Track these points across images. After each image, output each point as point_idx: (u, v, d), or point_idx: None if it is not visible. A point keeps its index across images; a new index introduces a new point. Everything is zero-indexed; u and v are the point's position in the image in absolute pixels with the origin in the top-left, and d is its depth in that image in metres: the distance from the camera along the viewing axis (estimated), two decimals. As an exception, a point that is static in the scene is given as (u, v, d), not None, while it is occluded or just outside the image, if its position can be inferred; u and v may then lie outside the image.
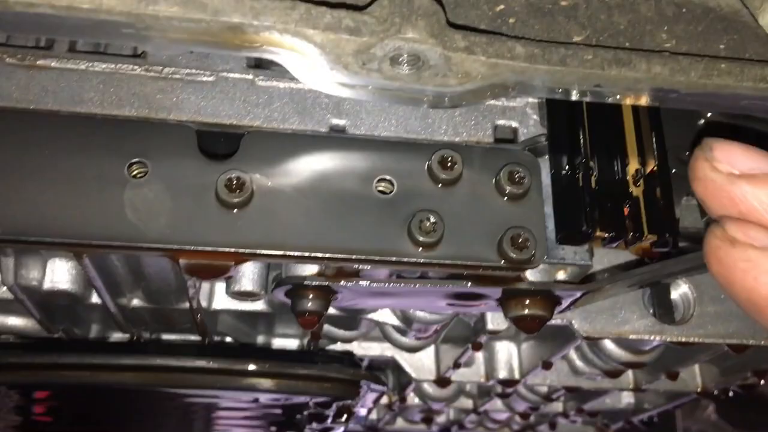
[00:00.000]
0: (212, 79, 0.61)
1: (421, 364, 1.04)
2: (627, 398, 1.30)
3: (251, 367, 0.82)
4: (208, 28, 0.48)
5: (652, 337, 0.74)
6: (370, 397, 0.95)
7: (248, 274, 0.67)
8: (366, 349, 1.01)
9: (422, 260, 0.57)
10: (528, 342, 1.01)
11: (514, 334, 1.00)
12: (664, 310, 0.74)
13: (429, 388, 1.23)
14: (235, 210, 0.56)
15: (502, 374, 1.03)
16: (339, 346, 0.98)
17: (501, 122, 0.64)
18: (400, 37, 0.49)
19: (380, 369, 1.09)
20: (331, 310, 0.68)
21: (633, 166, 0.61)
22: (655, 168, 0.62)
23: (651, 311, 0.74)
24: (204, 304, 0.80)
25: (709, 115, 0.71)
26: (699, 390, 1.08)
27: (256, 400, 0.93)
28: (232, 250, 0.56)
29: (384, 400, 1.29)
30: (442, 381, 1.05)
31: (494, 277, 0.60)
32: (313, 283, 0.62)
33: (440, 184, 0.59)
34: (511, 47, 0.52)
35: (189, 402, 0.98)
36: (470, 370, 1.06)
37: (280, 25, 0.48)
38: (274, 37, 0.49)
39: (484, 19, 0.55)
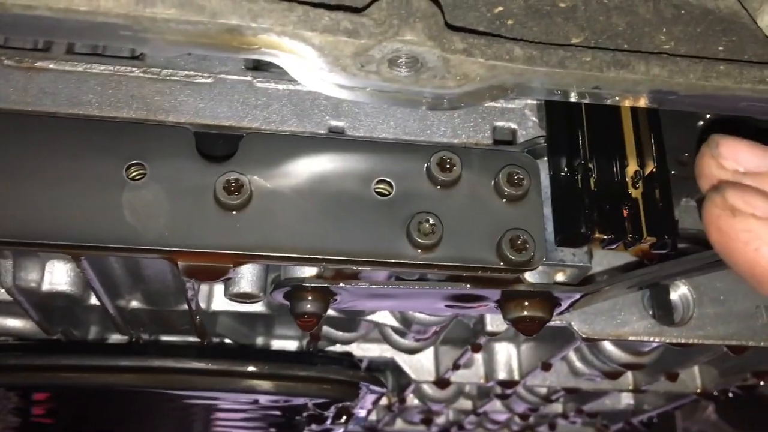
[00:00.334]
0: (210, 81, 0.61)
1: (420, 365, 1.04)
2: (626, 399, 1.30)
3: (250, 368, 0.82)
4: (206, 30, 0.48)
5: (651, 339, 0.74)
6: (370, 398, 0.95)
7: (247, 276, 0.67)
8: (365, 350, 1.01)
9: (421, 262, 0.57)
10: (527, 343, 1.01)
11: (513, 336, 1.00)
12: (663, 311, 0.74)
13: (428, 390, 1.23)
14: (234, 212, 0.56)
15: (502, 375, 1.03)
16: (338, 348, 0.98)
17: (500, 124, 0.64)
18: (399, 39, 0.49)
19: (379, 370, 1.09)
20: (330, 312, 0.68)
21: (632, 167, 0.61)
22: (654, 170, 0.61)
23: (650, 313, 0.74)
24: (203, 305, 0.80)
25: (708, 116, 0.71)
26: (698, 391, 1.08)
27: (255, 402, 0.93)
28: (231, 252, 0.55)
29: (383, 401, 1.29)
30: (441, 382, 1.05)
31: (493, 278, 0.60)
32: (312, 285, 0.62)
33: (439, 186, 0.59)
34: (510, 49, 0.52)
35: (188, 404, 0.98)
36: (469, 371, 1.06)
37: (278, 27, 0.48)
38: (272, 39, 0.49)
39: (482, 21, 0.55)
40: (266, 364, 0.83)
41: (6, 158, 0.56)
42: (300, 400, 0.91)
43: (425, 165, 0.60)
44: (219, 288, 0.81)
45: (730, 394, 1.16)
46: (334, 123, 0.62)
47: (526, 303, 0.63)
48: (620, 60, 0.53)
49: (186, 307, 0.76)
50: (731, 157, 0.46)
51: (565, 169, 0.61)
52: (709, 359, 0.96)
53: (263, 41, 0.49)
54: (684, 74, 0.54)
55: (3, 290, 0.71)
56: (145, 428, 1.14)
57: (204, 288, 0.80)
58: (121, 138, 0.58)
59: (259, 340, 0.95)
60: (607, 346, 0.92)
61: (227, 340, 0.92)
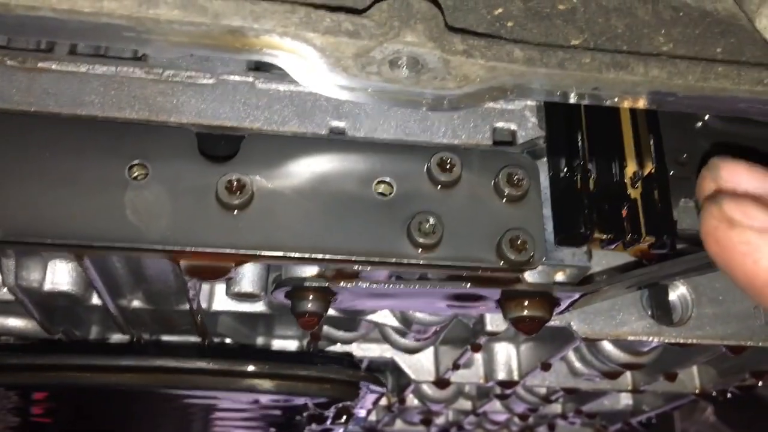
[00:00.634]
0: (212, 82, 0.62)
1: (420, 365, 1.04)
2: (625, 400, 1.30)
3: (251, 368, 0.82)
4: (209, 31, 0.48)
5: (650, 339, 0.74)
6: (370, 398, 0.96)
7: (248, 276, 0.67)
8: (365, 350, 1.01)
9: (422, 261, 0.57)
10: (527, 343, 1.02)
11: (513, 336, 1.01)
12: (662, 311, 0.74)
13: (428, 390, 1.24)
14: (236, 212, 0.56)
15: (501, 375, 1.03)
16: (338, 348, 0.98)
17: (499, 125, 0.65)
18: (399, 41, 0.50)
19: (379, 370, 1.10)
20: (331, 312, 0.68)
21: (631, 168, 0.62)
22: (653, 170, 0.62)
23: (649, 313, 0.74)
24: (204, 305, 0.80)
25: (706, 117, 0.71)
26: (697, 391, 1.09)
27: (255, 402, 0.94)
28: (233, 251, 0.56)
29: (383, 401, 1.29)
30: (441, 382, 1.05)
31: (493, 278, 0.61)
32: (313, 285, 0.63)
33: (439, 186, 0.60)
34: (510, 51, 0.52)
35: (189, 403, 0.98)
36: (469, 371, 1.06)
37: (280, 28, 0.49)
38: (274, 41, 0.49)
39: (482, 23, 0.55)
40: (267, 363, 0.83)
41: (9, 158, 0.56)
42: (300, 400, 0.91)
43: (425, 165, 0.60)
44: (220, 288, 0.81)
45: (729, 395, 1.16)
46: (335, 124, 0.62)
47: (526, 302, 0.63)
48: (619, 61, 0.53)
49: (187, 306, 0.76)
50: (731, 179, 0.46)
51: (565, 169, 0.62)
52: (707, 359, 0.96)
53: (265, 42, 0.50)
54: (683, 76, 0.54)
55: (5, 289, 0.71)
56: (145, 428, 1.14)
57: (205, 288, 0.81)
58: (123, 138, 0.58)
59: (260, 340, 0.95)
60: (606, 346, 0.92)
61: (228, 340, 0.92)
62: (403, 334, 0.88)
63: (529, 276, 0.64)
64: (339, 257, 0.57)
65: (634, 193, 0.61)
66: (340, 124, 0.62)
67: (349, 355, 0.97)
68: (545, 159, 0.64)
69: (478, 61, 0.51)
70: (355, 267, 0.60)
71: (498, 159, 0.61)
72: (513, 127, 0.65)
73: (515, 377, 1.03)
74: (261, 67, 0.63)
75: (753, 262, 0.42)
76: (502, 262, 0.58)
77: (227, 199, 0.56)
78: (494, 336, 0.80)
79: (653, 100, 0.56)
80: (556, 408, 1.40)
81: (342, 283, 0.62)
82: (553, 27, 0.56)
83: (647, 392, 1.14)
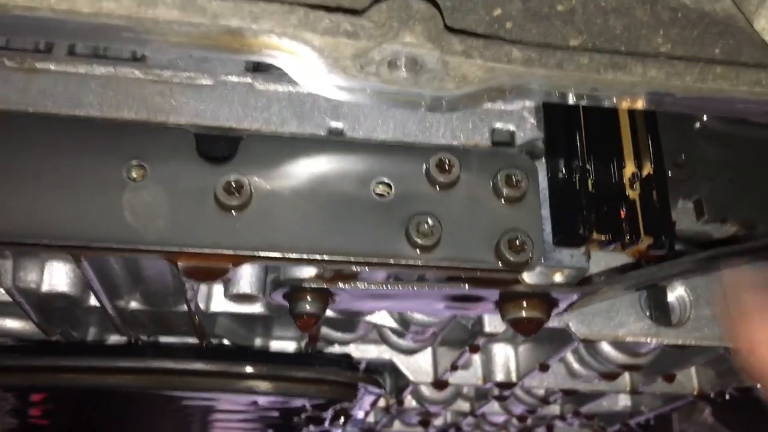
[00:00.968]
0: (211, 83, 0.62)
1: (418, 366, 1.04)
2: (624, 401, 1.30)
3: (249, 369, 0.82)
4: (208, 31, 0.48)
5: (648, 340, 0.74)
6: (368, 399, 0.96)
7: (246, 277, 0.67)
8: (363, 351, 1.01)
9: (420, 262, 0.57)
10: (525, 345, 1.02)
11: (511, 337, 1.01)
12: (660, 312, 0.74)
13: (426, 391, 1.23)
14: (234, 212, 0.56)
15: (500, 377, 1.03)
16: (336, 349, 0.98)
17: (498, 126, 0.65)
18: (398, 41, 0.50)
19: (378, 372, 1.09)
20: (329, 313, 0.68)
21: (629, 169, 0.62)
22: (652, 171, 0.62)
23: (647, 314, 0.74)
24: (202, 306, 0.80)
25: (704, 119, 0.72)
26: (695, 392, 1.09)
27: (254, 403, 0.93)
28: (231, 252, 0.56)
29: (381, 402, 1.29)
30: (439, 383, 1.05)
31: (492, 279, 0.61)
32: (311, 286, 0.63)
33: (438, 187, 0.60)
34: (508, 51, 0.52)
35: (187, 405, 0.98)
36: (467, 372, 1.06)
37: (278, 28, 0.49)
38: (272, 41, 0.49)
39: (481, 24, 0.55)
40: (265, 365, 0.83)
41: (7, 159, 0.56)
42: (298, 401, 0.91)
43: (424, 166, 0.60)
44: (218, 289, 0.81)
45: (727, 396, 1.16)
46: (334, 124, 0.62)
47: (525, 303, 0.63)
48: (617, 62, 0.54)
49: (185, 308, 0.76)
50: None
51: (563, 170, 0.62)
52: (706, 360, 0.96)
53: (264, 43, 0.50)
54: (681, 76, 0.54)
55: (2, 291, 0.71)
56: (142, 430, 1.14)
57: (203, 289, 0.81)
58: (121, 139, 0.58)
59: (258, 342, 0.95)
60: (605, 347, 0.92)
61: (226, 341, 0.92)
62: (401, 336, 0.88)
63: (528, 277, 0.64)
64: (337, 258, 0.57)
65: (632, 194, 0.61)
66: (338, 124, 0.62)
67: (347, 357, 0.97)
68: (544, 160, 0.64)
69: (477, 61, 0.51)
70: (354, 268, 0.60)
71: (496, 160, 0.61)
72: (511, 128, 0.65)
73: (513, 378, 1.02)
74: (259, 68, 0.63)
75: None
76: (501, 263, 0.58)
77: (225, 199, 0.56)
78: (493, 337, 0.80)
79: (651, 101, 0.56)
80: (555, 409, 1.40)
81: (340, 284, 0.62)
82: (551, 28, 0.56)
83: (645, 393, 1.14)
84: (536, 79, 0.53)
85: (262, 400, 0.92)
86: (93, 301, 0.76)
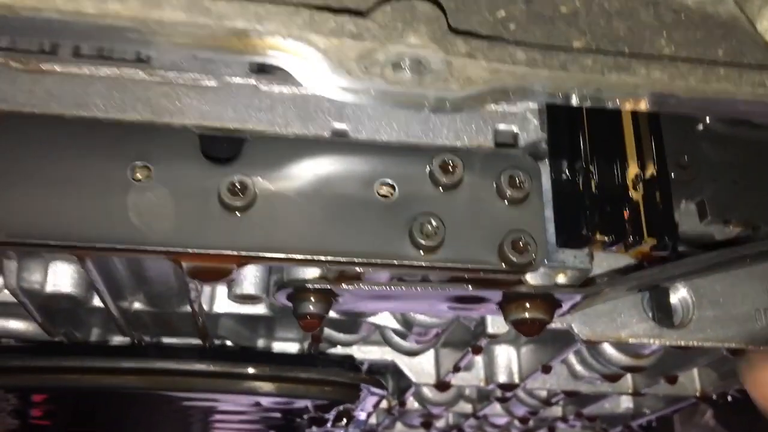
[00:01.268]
0: (215, 84, 0.62)
1: (420, 368, 1.04)
2: (626, 403, 1.30)
3: (251, 370, 0.82)
4: (213, 32, 0.48)
5: (651, 341, 0.74)
6: (370, 400, 0.95)
7: (250, 278, 0.67)
8: (366, 353, 1.01)
9: (423, 263, 0.58)
10: (527, 346, 1.02)
11: (513, 338, 1.01)
12: (663, 313, 0.74)
13: (428, 393, 1.23)
14: (238, 213, 0.56)
15: (502, 378, 1.03)
16: (339, 351, 0.98)
17: (501, 127, 0.65)
18: (403, 43, 0.50)
19: (380, 373, 1.09)
20: (332, 314, 0.68)
21: (632, 170, 0.62)
22: (655, 172, 0.62)
23: (650, 315, 0.74)
24: (205, 307, 0.80)
25: (707, 120, 0.72)
26: (698, 394, 1.09)
27: (256, 404, 0.93)
28: (235, 253, 0.56)
29: (383, 404, 1.29)
30: (441, 385, 1.05)
31: (495, 280, 0.61)
32: (315, 287, 0.63)
33: (441, 188, 0.60)
34: (512, 52, 0.52)
35: (189, 406, 0.98)
36: (470, 374, 1.06)
37: (283, 30, 0.49)
38: (277, 42, 0.50)
39: (485, 25, 0.56)
40: (267, 365, 0.83)
41: (12, 159, 0.56)
42: (301, 403, 0.91)
43: (428, 167, 0.60)
44: (222, 290, 0.81)
45: (729, 398, 1.16)
46: (338, 126, 0.62)
47: (528, 304, 0.63)
48: (621, 64, 0.54)
49: (188, 308, 0.76)
50: None
51: (567, 171, 0.62)
52: (708, 362, 0.96)
53: (269, 44, 0.50)
54: (684, 78, 0.54)
55: (6, 291, 0.71)
56: (144, 430, 1.14)
57: (207, 290, 0.81)
58: (126, 140, 0.58)
59: (261, 342, 0.95)
60: (607, 348, 0.92)
61: (229, 342, 0.92)
62: (404, 337, 0.88)
63: (531, 278, 0.64)
64: (341, 259, 0.57)
65: (635, 195, 0.61)
66: (342, 126, 0.62)
67: (350, 358, 0.97)
68: (547, 161, 0.64)
69: (481, 62, 0.52)
70: (357, 269, 0.60)
71: (500, 161, 0.61)
72: (515, 129, 0.65)
73: (516, 380, 1.02)
74: (264, 70, 0.63)
75: None
76: (504, 263, 0.58)
77: (230, 200, 0.56)
78: (495, 338, 0.80)
79: (655, 102, 0.56)
80: (557, 411, 1.39)
81: (344, 285, 0.62)
82: (555, 29, 0.56)
83: (648, 395, 1.14)
84: (540, 81, 0.53)
85: (265, 401, 0.92)
86: (96, 302, 0.76)
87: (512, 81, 0.53)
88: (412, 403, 1.29)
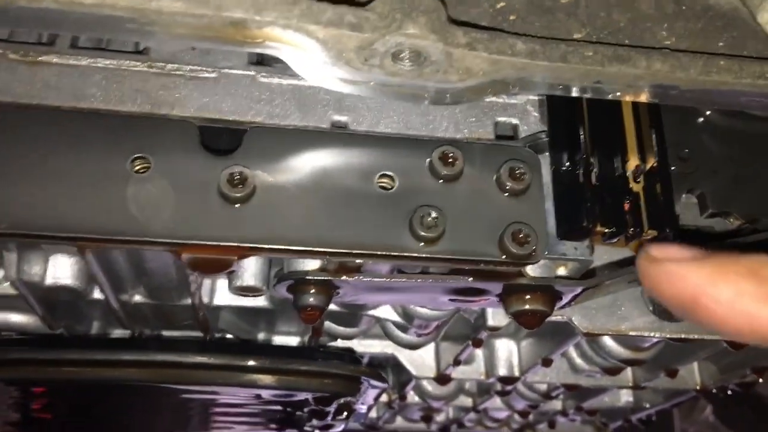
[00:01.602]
0: (214, 76, 0.62)
1: (421, 361, 1.04)
2: (626, 396, 1.30)
3: (252, 362, 0.82)
4: (211, 23, 0.48)
5: (651, 334, 0.74)
6: (371, 393, 0.96)
7: (250, 270, 0.67)
8: (366, 346, 1.01)
9: (424, 255, 0.57)
10: (528, 339, 1.02)
11: (514, 332, 1.01)
12: (663, 307, 0.74)
13: (429, 386, 1.24)
14: (238, 205, 0.56)
15: (502, 371, 1.03)
16: (340, 344, 0.98)
17: (501, 119, 0.65)
18: (402, 33, 0.50)
19: (380, 367, 1.09)
20: (332, 307, 0.68)
21: (633, 162, 0.62)
22: (655, 164, 0.62)
23: (651, 308, 0.74)
24: (205, 300, 0.80)
25: (708, 113, 0.72)
26: (698, 387, 1.09)
27: (257, 397, 0.94)
28: (235, 244, 0.56)
29: (384, 398, 1.29)
30: (442, 378, 1.05)
31: (495, 272, 0.61)
32: (315, 278, 0.63)
33: (441, 180, 0.60)
34: (512, 44, 0.52)
35: (189, 398, 0.99)
36: (470, 367, 1.06)
37: (282, 20, 0.49)
38: (276, 33, 0.49)
39: (484, 17, 0.56)
40: (268, 358, 0.83)
41: (11, 151, 0.56)
42: (301, 395, 0.91)
43: (428, 159, 0.60)
44: (222, 283, 0.81)
45: (729, 392, 1.16)
46: (337, 117, 0.62)
47: (528, 296, 0.63)
48: (622, 55, 0.54)
49: (189, 301, 0.76)
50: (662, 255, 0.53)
51: (567, 163, 0.62)
52: (708, 355, 0.96)
53: (267, 35, 0.50)
54: (685, 69, 0.54)
55: (7, 284, 0.71)
56: (145, 423, 1.14)
57: (207, 283, 0.81)
58: (125, 131, 0.58)
59: (261, 336, 0.95)
60: (607, 341, 0.92)
61: (229, 336, 0.92)
62: (404, 330, 0.88)
63: (531, 270, 0.64)
64: (341, 250, 0.57)
65: (636, 187, 0.61)
66: (342, 118, 0.62)
67: (350, 351, 0.97)
68: (547, 153, 0.64)
69: (481, 53, 0.51)
70: (357, 260, 0.60)
71: (500, 153, 0.61)
72: (515, 121, 0.65)
73: (516, 373, 1.03)
74: (262, 61, 0.63)
75: (674, 286, 0.50)
76: (504, 255, 0.58)
77: (229, 192, 0.56)
78: (496, 331, 0.80)
79: (655, 94, 0.56)
80: (557, 405, 1.40)
81: (344, 277, 0.62)
82: (555, 21, 0.56)
83: (648, 389, 1.14)
84: (540, 72, 0.53)
85: (265, 394, 0.92)
86: (97, 294, 0.76)
87: (512, 72, 0.53)
88: (412, 397, 1.29)
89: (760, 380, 1.07)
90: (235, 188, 0.56)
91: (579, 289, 0.65)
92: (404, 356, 1.03)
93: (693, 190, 0.69)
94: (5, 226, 0.54)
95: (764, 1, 0.59)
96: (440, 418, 1.50)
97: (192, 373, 0.82)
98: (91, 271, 0.66)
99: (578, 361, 1.04)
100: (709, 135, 0.71)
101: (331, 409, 0.99)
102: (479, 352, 1.05)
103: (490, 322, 0.78)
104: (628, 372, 1.09)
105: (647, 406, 1.30)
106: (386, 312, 0.83)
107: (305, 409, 1.00)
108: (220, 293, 0.82)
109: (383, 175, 0.59)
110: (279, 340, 0.96)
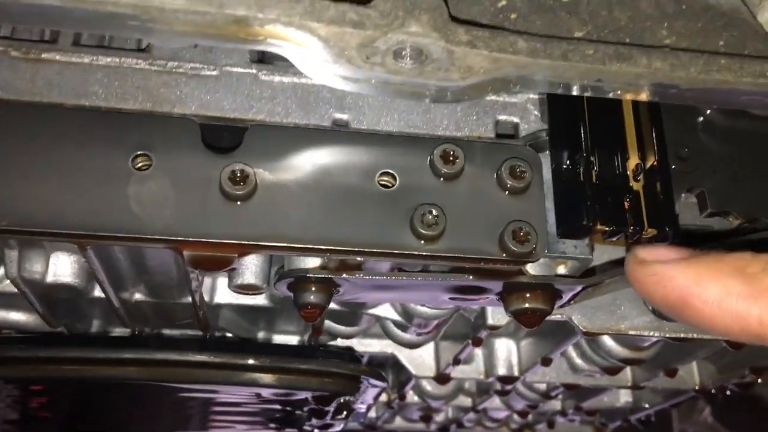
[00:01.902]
0: (216, 74, 0.62)
1: (420, 360, 1.04)
2: (625, 396, 1.30)
3: (251, 361, 0.82)
4: (213, 20, 0.48)
5: (650, 333, 0.74)
6: (371, 393, 0.96)
7: (251, 267, 0.67)
8: (366, 345, 1.01)
9: (424, 253, 0.58)
10: (527, 339, 1.02)
11: (513, 331, 1.01)
12: (662, 306, 0.74)
13: (428, 386, 1.24)
14: (239, 202, 0.56)
15: (502, 371, 1.03)
16: (339, 343, 0.98)
17: (502, 118, 0.65)
18: (404, 31, 0.50)
19: (380, 366, 1.09)
20: (332, 306, 0.68)
21: (633, 161, 0.62)
22: (655, 163, 0.62)
23: (650, 307, 0.74)
24: (206, 298, 0.81)
25: (708, 112, 0.72)
26: (697, 387, 1.09)
27: (257, 395, 0.94)
28: (236, 241, 0.56)
29: (383, 397, 1.29)
30: (441, 377, 1.05)
31: (495, 270, 0.61)
32: (316, 276, 0.63)
33: (442, 178, 0.60)
34: (514, 42, 0.52)
35: (189, 397, 0.99)
36: (470, 367, 1.06)
37: (284, 17, 0.49)
38: (278, 30, 0.49)
39: (486, 15, 0.56)
40: (268, 357, 0.83)
41: (13, 148, 0.56)
42: (301, 394, 0.91)
43: (428, 158, 0.60)
44: (222, 281, 0.82)
45: (728, 392, 1.16)
46: (338, 116, 0.62)
47: (528, 295, 0.63)
48: (622, 53, 0.54)
49: (189, 299, 0.76)
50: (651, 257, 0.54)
51: (567, 162, 0.62)
52: (707, 354, 0.96)
53: (269, 32, 0.50)
54: (685, 68, 0.54)
55: (8, 282, 0.71)
56: (145, 422, 1.14)
57: (207, 281, 0.81)
58: (126, 129, 0.58)
59: (261, 334, 0.95)
60: (607, 341, 0.92)
61: (229, 334, 0.92)
62: (404, 329, 0.88)
63: (531, 268, 0.64)
64: (342, 248, 0.57)
65: (636, 185, 0.61)
66: (343, 116, 0.62)
67: (350, 350, 0.97)
68: (548, 152, 0.64)
69: (482, 51, 0.52)
70: (358, 258, 0.60)
71: (501, 151, 0.61)
72: (515, 119, 0.65)
73: (515, 373, 1.03)
74: (264, 59, 0.63)
75: (662, 288, 0.50)
76: (505, 253, 0.58)
77: (230, 189, 0.56)
78: (495, 330, 0.80)
79: (655, 92, 0.56)
80: (556, 405, 1.40)
81: (344, 275, 0.62)
82: (556, 19, 0.56)
83: (647, 389, 1.15)
84: (541, 70, 0.53)
85: (265, 393, 0.92)
86: (97, 292, 0.76)
87: (513, 70, 0.53)
88: (411, 397, 1.29)
89: (759, 381, 1.07)
90: (237, 186, 0.56)
91: (579, 288, 0.65)
92: (404, 355, 1.03)
93: (693, 189, 0.69)
94: (6, 223, 0.54)
95: (764, 0, 0.59)
96: (439, 417, 1.50)
97: (192, 372, 0.82)
98: (92, 268, 0.66)
99: (578, 360, 1.04)
100: (709, 134, 0.71)
101: (331, 408, 0.99)
102: (479, 352, 1.05)
103: (490, 321, 0.78)
104: (628, 372, 1.09)
105: (646, 406, 1.30)
106: (386, 311, 0.83)
107: (305, 408, 1.00)
108: (221, 291, 0.82)
109: (384, 173, 0.60)
110: (279, 338, 0.96)
